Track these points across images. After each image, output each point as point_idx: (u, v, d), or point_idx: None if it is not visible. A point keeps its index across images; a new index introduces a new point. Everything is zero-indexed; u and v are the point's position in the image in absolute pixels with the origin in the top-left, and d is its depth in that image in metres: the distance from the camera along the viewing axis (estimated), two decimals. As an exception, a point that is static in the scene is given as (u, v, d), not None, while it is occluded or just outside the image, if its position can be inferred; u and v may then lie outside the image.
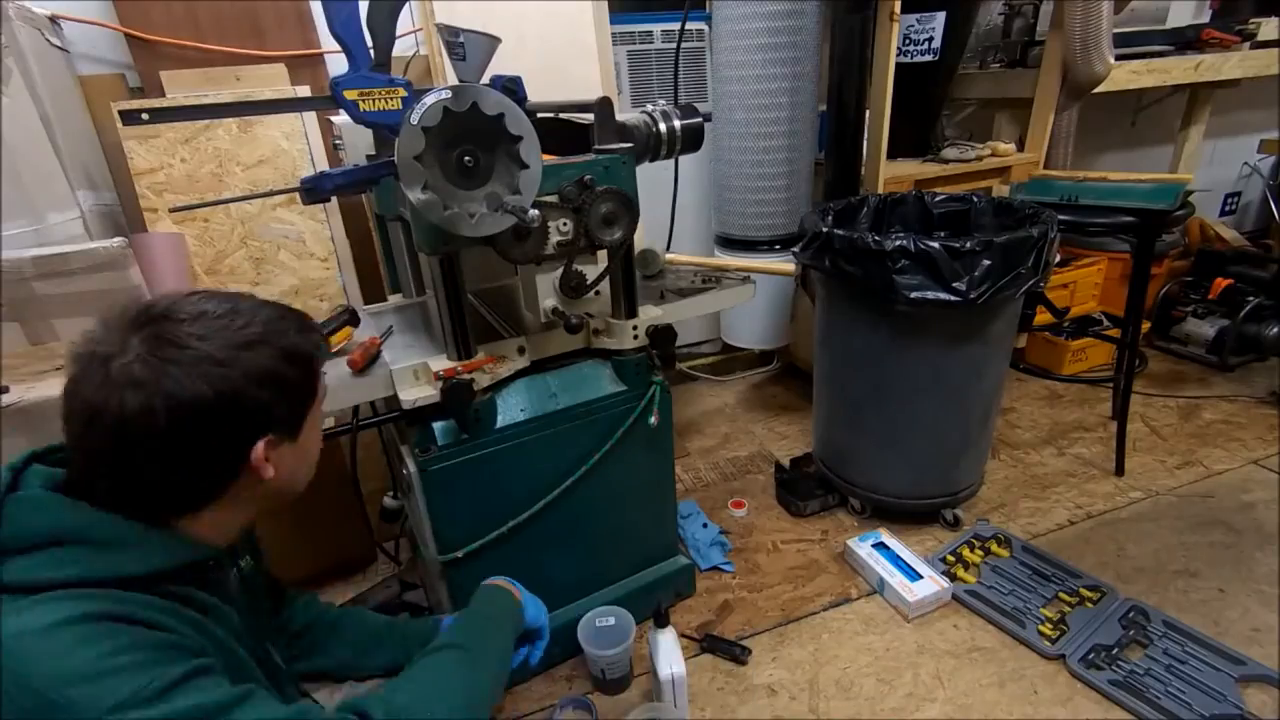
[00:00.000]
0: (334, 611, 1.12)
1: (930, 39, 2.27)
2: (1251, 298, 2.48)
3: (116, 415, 0.64)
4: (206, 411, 0.66)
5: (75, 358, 0.66)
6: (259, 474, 0.73)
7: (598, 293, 1.31)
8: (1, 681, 0.56)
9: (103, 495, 0.67)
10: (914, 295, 1.44)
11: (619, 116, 1.26)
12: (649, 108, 1.36)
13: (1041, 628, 1.48)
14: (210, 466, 0.71)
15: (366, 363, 1.21)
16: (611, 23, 1.97)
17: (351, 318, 1.32)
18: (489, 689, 0.88)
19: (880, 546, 1.71)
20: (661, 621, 1.32)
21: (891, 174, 2.22)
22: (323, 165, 1.81)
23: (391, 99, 1.06)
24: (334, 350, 1.28)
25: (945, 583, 1.58)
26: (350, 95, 1.04)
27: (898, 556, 1.66)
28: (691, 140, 1.37)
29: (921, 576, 1.59)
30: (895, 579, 1.59)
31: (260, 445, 0.71)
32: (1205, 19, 2.76)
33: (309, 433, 0.80)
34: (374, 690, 0.82)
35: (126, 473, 0.67)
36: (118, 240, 1.37)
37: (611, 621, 1.41)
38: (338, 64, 1.70)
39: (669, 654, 1.30)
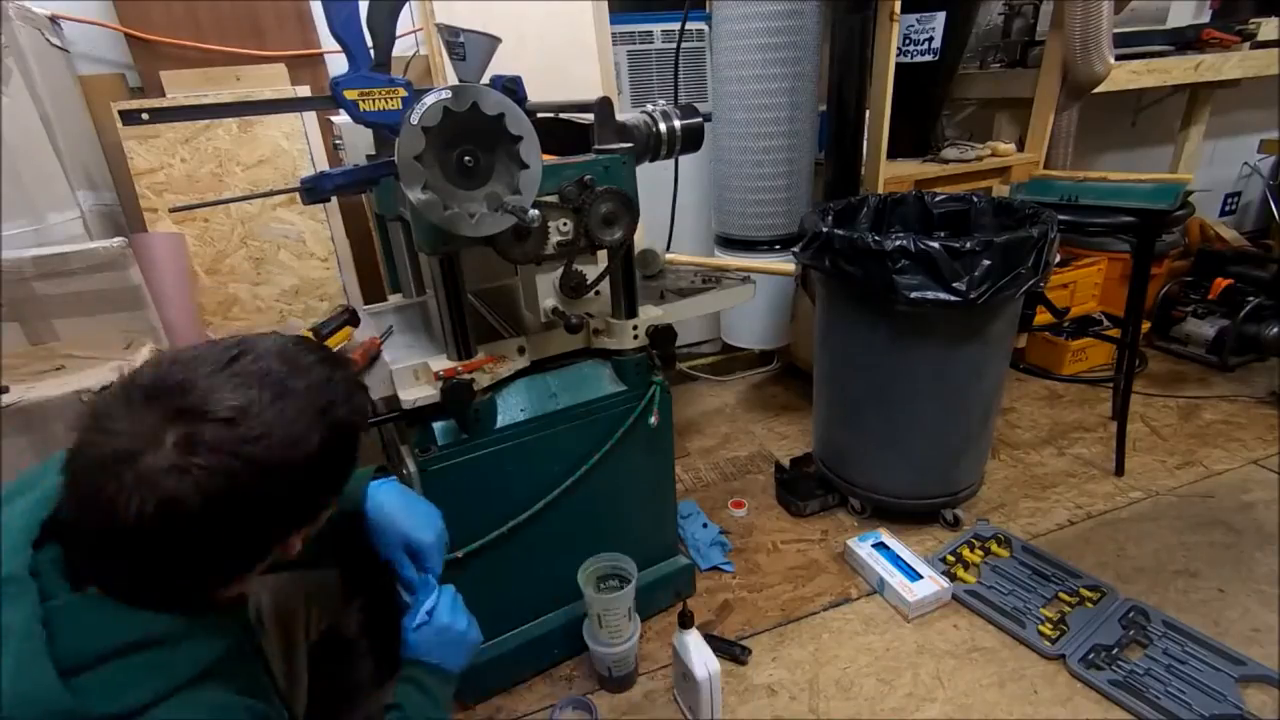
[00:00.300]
0: None
1: (930, 39, 2.27)
2: (1251, 298, 2.48)
3: (146, 518, 0.56)
4: (245, 511, 0.60)
5: (90, 442, 0.58)
6: (286, 553, 0.69)
7: (598, 293, 1.31)
8: None
9: (120, 586, 0.61)
10: (914, 295, 1.44)
11: (619, 116, 1.26)
12: (649, 108, 1.36)
13: (1041, 628, 1.48)
14: (241, 563, 0.66)
15: (366, 363, 1.21)
16: (611, 23, 1.97)
17: (351, 318, 1.32)
18: None
19: (880, 546, 1.70)
20: (686, 622, 1.32)
21: (891, 174, 2.22)
22: (323, 165, 1.81)
23: (391, 99, 1.06)
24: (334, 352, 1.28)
25: (945, 583, 1.58)
26: (350, 95, 1.04)
27: (898, 556, 1.66)
28: (691, 140, 1.37)
29: (921, 576, 1.59)
30: (895, 579, 1.59)
31: (297, 537, 0.68)
32: (1205, 19, 2.76)
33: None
34: None
35: (150, 569, 0.61)
36: (118, 240, 1.37)
37: (615, 582, 1.43)
38: (338, 64, 1.70)
39: (701, 653, 1.30)
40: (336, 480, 0.69)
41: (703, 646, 1.31)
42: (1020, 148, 2.51)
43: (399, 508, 0.99)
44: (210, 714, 0.61)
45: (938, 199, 1.85)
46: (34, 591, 0.57)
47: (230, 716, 0.63)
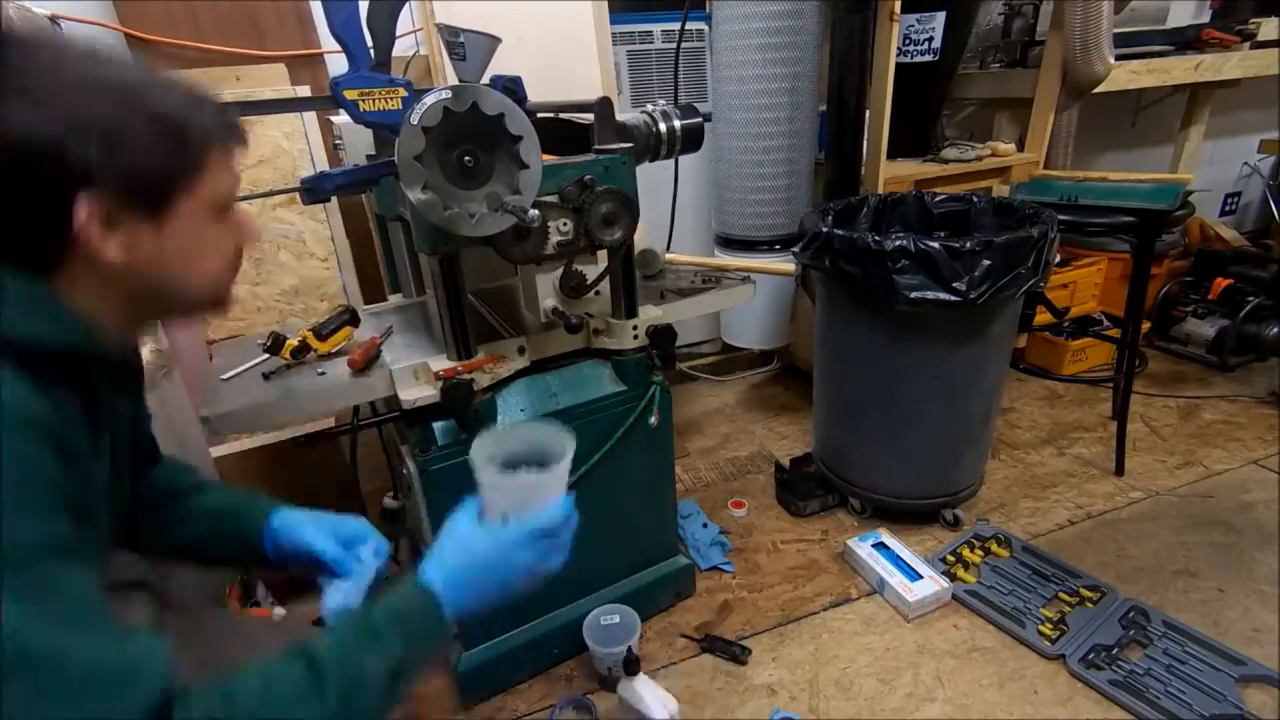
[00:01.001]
0: (197, 484, 0.92)
1: (930, 39, 2.27)
2: (1251, 298, 2.48)
3: None
4: (4, 153, 0.54)
5: None
6: (92, 246, 0.58)
7: (598, 293, 1.31)
8: None
9: None
10: (914, 295, 1.44)
11: (619, 116, 1.26)
12: (649, 108, 1.36)
13: (1041, 628, 1.48)
14: (19, 213, 0.57)
15: (366, 363, 1.21)
16: (611, 23, 1.96)
17: (351, 318, 1.32)
18: None
19: (880, 546, 1.70)
20: (632, 669, 1.28)
21: (891, 174, 2.22)
22: (323, 165, 1.81)
23: (391, 99, 1.06)
24: (334, 351, 1.28)
25: (945, 583, 1.58)
26: (350, 95, 1.04)
27: (898, 556, 1.66)
28: (691, 140, 1.37)
29: (921, 576, 1.59)
30: (895, 579, 1.59)
31: (82, 205, 0.57)
32: (1205, 19, 2.77)
33: (188, 225, 0.64)
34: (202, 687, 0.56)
35: None
36: (118, 240, 1.37)
37: (616, 619, 1.42)
38: (338, 64, 1.70)
39: (655, 695, 1.27)
40: (139, 160, 0.60)
41: (654, 688, 1.28)
42: (1020, 148, 2.51)
43: (313, 517, 0.89)
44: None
45: (938, 199, 1.85)
46: None
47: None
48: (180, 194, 0.63)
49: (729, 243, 2.30)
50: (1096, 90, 2.38)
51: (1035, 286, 1.48)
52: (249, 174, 1.75)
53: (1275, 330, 2.38)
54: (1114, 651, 1.41)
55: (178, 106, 0.62)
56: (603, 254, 1.26)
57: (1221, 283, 2.65)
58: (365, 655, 0.64)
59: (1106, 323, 2.60)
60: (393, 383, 1.19)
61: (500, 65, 1.23)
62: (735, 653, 1.47)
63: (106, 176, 0.58)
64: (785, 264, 1.97)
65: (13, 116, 0.54)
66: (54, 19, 1.74)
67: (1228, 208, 3.83)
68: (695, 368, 2.80)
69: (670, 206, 1.84)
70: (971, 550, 1.71)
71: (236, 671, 0.58)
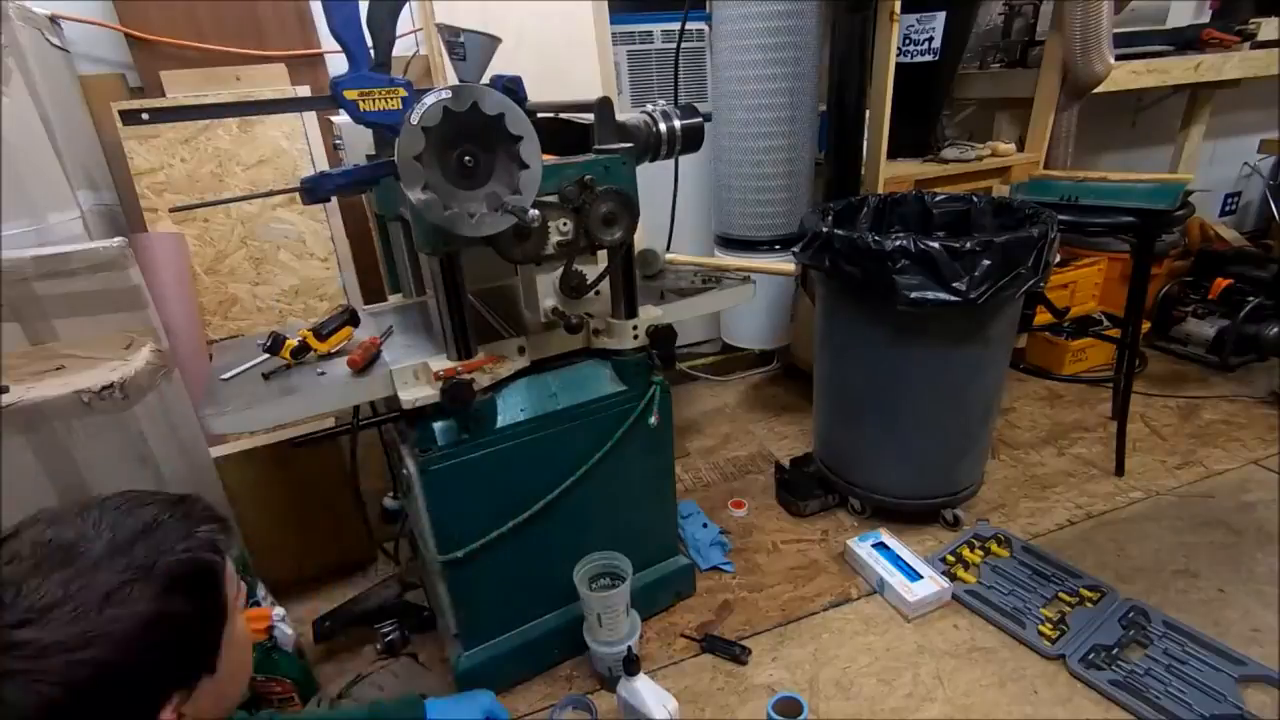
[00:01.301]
0: None
1: (930, 39, 2.27)
2: (1251, 298, 2.48)
3: None
4: (71, 714, 0.51)
5: None
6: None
7: (598, 293, 1.31)
8: None
9: None
10: (914, 295, 1.44)
11: (619, 116, 1.26)
12: (649, 108, 1.36)
13: (1041, 628, 1.47)
14: None
15: (366, 363, 1.21)
16: (611, 23, 1.97)
17: (351, 318, 1.32)
18: None
19: (880, 546, 1.70)
20: (633, 669, 1.28)
21: (891, 174, 2.22)
22: (323, 165, 1.81)
23: (391, 99, 1.06)
24: (333, 351, 1.28)
25: (945, 583, 1.58)
26: (350, 95, 1.04)
27: (898, 556, 1.66)
28: (691, 140, 1.37)
29: (921, 576, 1.59)
30: (895, 579, 1.59)
31: (168, 711, 0.57)
32: (1205, 19, 2.77)
33: (228, 655, 0.64)
34: None
35: None
36: (118, 240, 1.37)
37: (608, 580, 1.44)
38: (338, 64, 1.70)
39: (655, 695, 1.26)
40: (194, 635, 0.60)
41: (655, 688, 1.27)
42: (1020, 148, 2.51)
43: (453, 703, 1.14)
44: None
45: (938, 199, 1.85)
46: None
47: None
48: (223, 640, 0.63)
49: (729, 243, 2.30)
50: (1096, 90, 2.38)
51: (1035, 286, 1.48)
52: (249, 174, 1.75)
53: (1275, 330, 2.38)
54: (1114, 651, 1.41)
55: (192, 553, 0.60)
56: (603, 254, 1.26)
57: (1221, 283, 2.65)
58: None
59: (1106, 323, 2.60)
60: (393, 383, 1.19)
61: (500, 65, 1.23)
62: (735, 653, 1.47)
63: (177, 672, 0.57)
64: (785, 264, 1.97)
65: (33, 692, 0.50)
66: (54, 19, 1.75)
67: (1228, 208, 3.83)
68: (695, 368, 2.80)
69: (670, 206, 1.84)
70: (971, 550, 1.71)
71: None
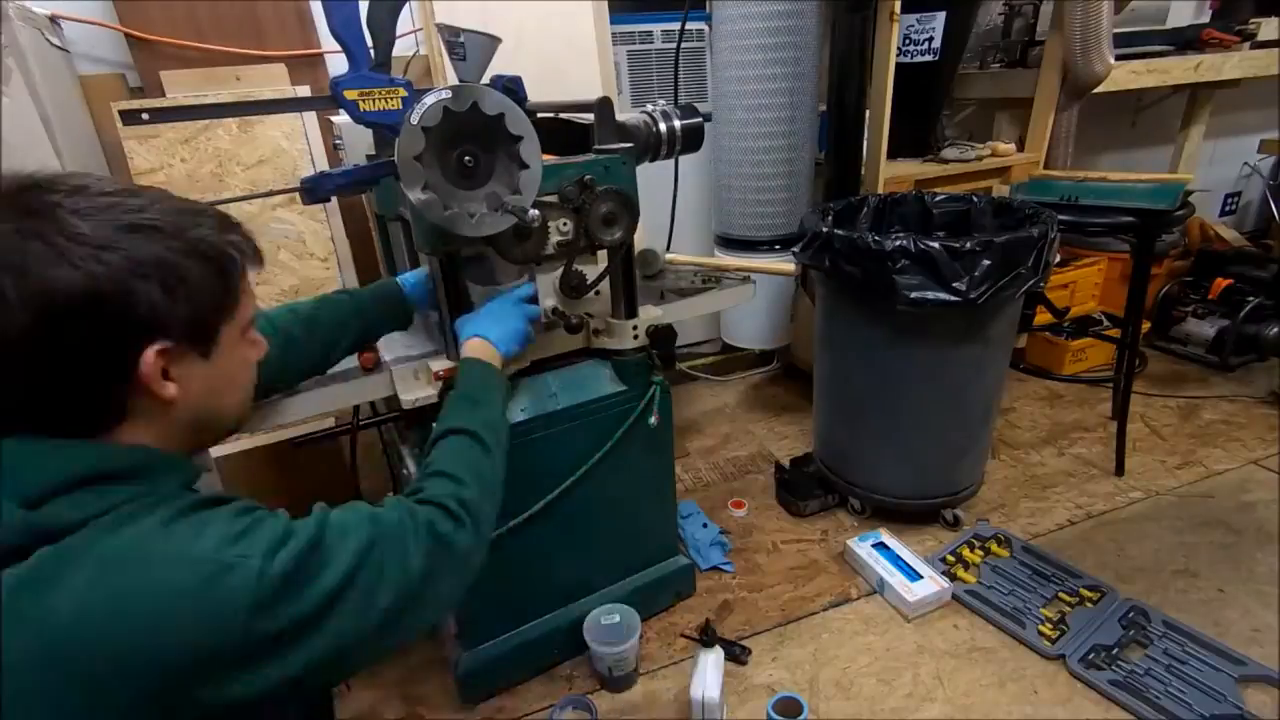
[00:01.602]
0: (306, 314, 1.08)
1: (930, 39, 2.27)
2: (1251, 298, 2.48)
3: (35, 310, 0.54)
4: (76, 303, 0.55)
5: None
6: (155, 391, 0.61)
7: (598, 293, 1.31)
8: (161, 561, 0.55)
9: (18, 416, 0.58)
10: (914, 295, 1.44)
11: (619, 116, 1.26)
12: (649, 108, 1.36)
13: (1041, 628, 1.48)
14: (91, 374, 0.58)
15: (377, 361, 1.22)
16: (611, 23, 1.97)
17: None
18: (503, 474, 0.92)
19: (880, 546, 1.70)
20: (709, 641, 1.31)
21: (891, 174, 2.22)
22: (323, 165, 1.81)
23: (391, 99, 1.06)
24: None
25: (945, 583, 1.58)
26: (350, 95, 1.03)
27: (898, 556, 1.66)
28: (691, 140, 1.37)
29: (922, 576, 1.59)
30: (895, 579, 1.59)
31: (150, 353, 0.59)
32: (1205, 19, 2.77)
33: (228, 353, 0.68)
34: (414, 480, 0.83)
35: (43, 377, 0.57)
36: (118, 240, 1.37)
37: (617, 619, 1.42)
38: (338, 64, 1.70)
39: (706, 676, 1.29)
40: (195, 301, 0.63)
41: (715, 671, 1.30)
42: (1020, 148, 2.51)
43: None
44: (175, 506, 0.59)
45: (938, 199, 1.85)
46: None
47: (208, 509, 0.60)
48: (224, 325, 0.67)
49: (729, 243, 2.30)
50: (1096, 90, 2.38)
51: (1035, 286, 1.48)
52: (249, 174, 1.75)
53: (1275, 330, 2.38)
54: (1114, 651, 1.41)
55: (216, 238, 0.65)
56: (603, 254, 1.26)
57: (1221, 283, 2.65)
58: (486, 415, 0.94)
59: (1106, 323, 2.60)
60: (393, 383, 1.19)
61: (500, 65, 1.23)
62: (735, 653, 1.47)
63: (169, 321, 0.60)
64: (785, 264, 1.97)
65: (59, 266, 0.54)
66: (54, 19, 1.75)
67: (1228, 208, 3.83)
68: (695, 368, 2.80)
69: (670, 206, 1.84)
70: (971, 550, 1.71)
71: (433, 460, 0.84)
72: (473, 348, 1.07)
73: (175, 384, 0.62)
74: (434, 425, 0.93)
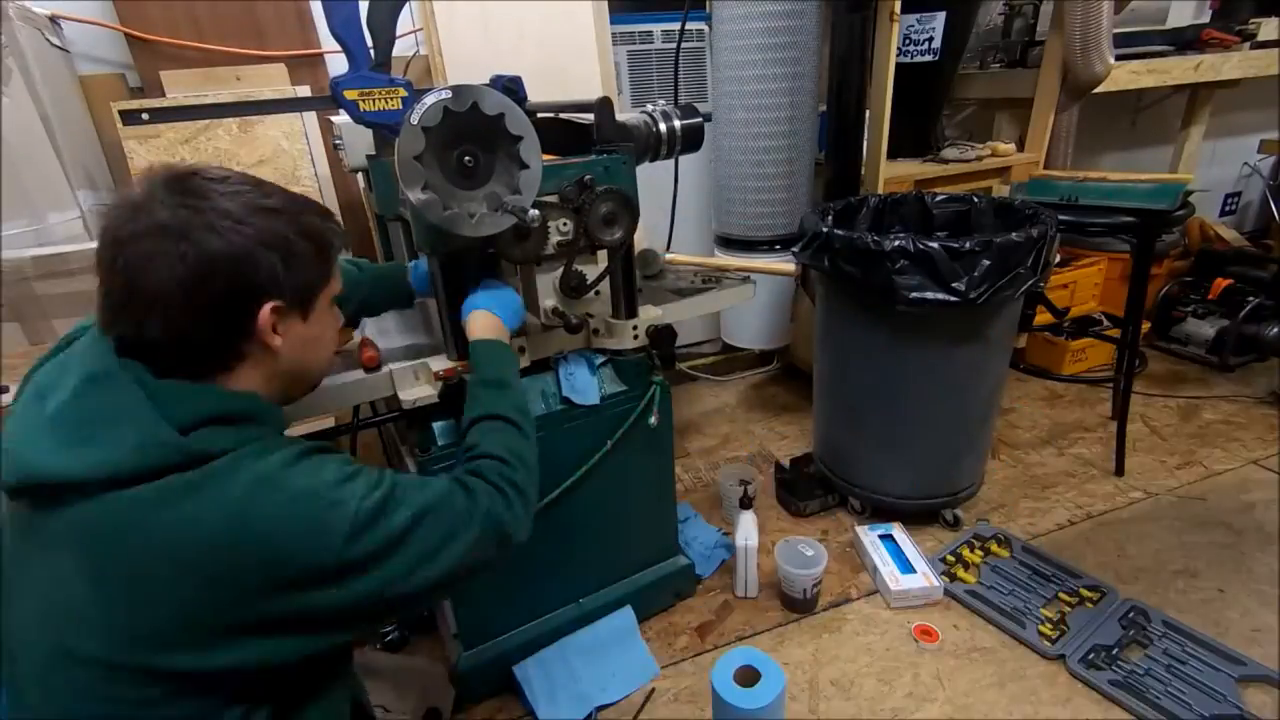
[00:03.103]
0: None
1: (930, 39, 2.27)
2: (1251, 298, 2.48)
3: (142, 257, 0.67)
4: (220, 264, 0.69)
5: (107, 210, 0.70)
6: (266, 341, 0.75)
7: (598, 293, 1.31)
8: (293, 489, 0.70)
9: (161, 356, 0.71)
10: (914, 295, 1.44)
11: (619, 116, 1.26)
12: (649, 108, 1.36)
13: (1041, 628, 1.48)
14: (223, 321, 0.73)
15: (379, 361, 1.22)
16: (611, 23, 1.97)
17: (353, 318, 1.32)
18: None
19: (886, 538, 1.72)
20: (746, 504, 1.62)
21: (891, 174, 2.22)
22: (322, 165, 1.81)
23: (391, 99, 1.06)
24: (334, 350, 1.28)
25: (937, 581, 1.58)
26: (350, 95, 1.04)
27: (900, 550, 1.67)
28: (691, 140, 1.37)
29: (915, 571, 1.59)
30: (887, 568, 1.61)
31: (266, 309, 0.73)
32: (1205, 19, 2.76)
33: (320, 318, 0.83)
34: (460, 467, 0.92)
35: (155, 324, 0.69)
36: (118, 240, 1.37)
37: (811, 553, 1.57)
38: (338, 64, 1.70)
39: (747, 529, 1.60)
40: (303, 271, 0.77)
41: (751, 525, 1.60)
42: (1020, 148, 2.51)
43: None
44: (300, 447, 0.75)
45: (938, 199, 1.85)
46: (132, 379, 0.69)
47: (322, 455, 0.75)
48: (321, 294, 0.82)
49: (729, 243, 2.30)
50: (1096, 90, 2.38)
51: (1035, 286, 1.48)
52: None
53: (1275, 330, 2.38)
54: (1114, 651, 1.41)
55: (320, 223, 0.80)
56: (603, 254, 1.26)
57: (1221, 283, 2.65)
58: (515, 400, 1.02)
59: (1106, 323, 2.60)
60: (393, 383, 1.19)
61: (500, 65, 1.24)
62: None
63: (282, 285, 0.75)
64: (785, 264, 1.97)
65: (210, 235, 0.69)
66: (54, 19, 1.75)
67: (1228, 208, 3.83)
68: (695, 368, 2.80)
69: (670, 206, 1.84)
70: (971, 550, 1.71)
71: (478, 443, 0.94)
72: (481, 325, 1.09)
73: (281, 338, 0.76)
74: (465, 410, 1.00)
